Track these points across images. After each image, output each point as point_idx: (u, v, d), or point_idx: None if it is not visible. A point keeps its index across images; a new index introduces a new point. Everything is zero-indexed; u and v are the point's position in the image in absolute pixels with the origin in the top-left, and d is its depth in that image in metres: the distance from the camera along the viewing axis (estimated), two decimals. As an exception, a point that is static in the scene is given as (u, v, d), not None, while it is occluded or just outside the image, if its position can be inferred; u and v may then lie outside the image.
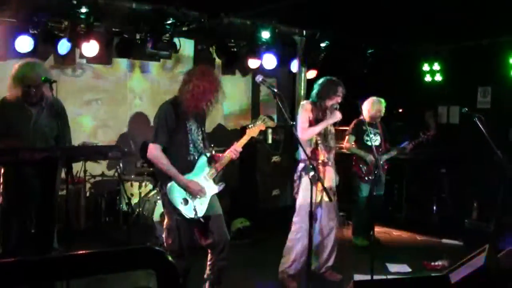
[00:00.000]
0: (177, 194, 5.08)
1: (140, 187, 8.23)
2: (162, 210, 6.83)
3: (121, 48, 8.52)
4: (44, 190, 5.30)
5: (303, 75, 9.78)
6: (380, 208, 8.57)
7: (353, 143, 8.22)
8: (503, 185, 6.41)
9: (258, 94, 11.34)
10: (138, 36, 8.38)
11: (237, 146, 5.30)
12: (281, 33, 9.22)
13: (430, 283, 3.53)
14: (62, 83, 8.34)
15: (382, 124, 8.40)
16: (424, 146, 8.56)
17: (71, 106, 8.46)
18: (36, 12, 7.42)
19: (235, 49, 9.48)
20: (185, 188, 5.08)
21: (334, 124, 6.44)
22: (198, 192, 5.12)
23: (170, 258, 2.30)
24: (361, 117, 7.78)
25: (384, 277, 6.27)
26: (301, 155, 6.25)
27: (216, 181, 5.32)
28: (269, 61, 9.61)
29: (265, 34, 8.89)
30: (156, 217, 7.78)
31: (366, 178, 8.16)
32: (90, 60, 8.64)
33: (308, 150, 6.11)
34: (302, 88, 9.70)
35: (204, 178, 5.22)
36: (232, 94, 11.07)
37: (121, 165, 8.27)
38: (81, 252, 2.16)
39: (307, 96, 7.88)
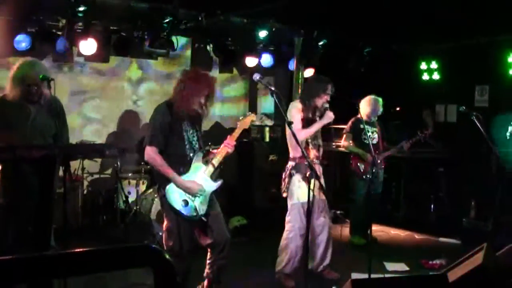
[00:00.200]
0: (176, 196, 5.08)
1: (137, 185, 8.23)
2: (159, 208, 6.84)
3: (119, 46, 8.51)
4: (42, 188, 5.29)
5: (300, 73, 9.77)
6: (378, 206, 8.57)
7: (351, 142, 8.22)
8: (501, 183, 6.42)
9: (255, 92, 11.34)
10: (135, 34, 8.38)
11: (231, 140, 5.32)
12: (278, 32, 9.21)
13: (428, 282, 3.53)
14: (60, 81, 8.32)
15: (380, 123, 8.40)
16: (422, 145, 8.57)
17: (68, 104, 8.49)
18: (34, 11, 7.41)
19: (232, 48, 9.47)
20: (184, 188, 5.08)
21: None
22: (198, 192, 5.12)
23: (167, 256, 2.29)
24: (359, 116, 7.79)
25: (381, 276, 6.27)
26: (292, 153, 6.24)
27: (214, 178, 5.32)
28: (267, 59, 9.61)
29: (263, 33, 8.89)
30: (153, 215, 7.78)
31: (364, 177, 8.15)
32: (88, 58, 8.63)
33: (299, 149, 6.11)
34: (300, 86, 9.69)
35: (202, 176, 5.22)
36: (230, 93, 11.08)
37: (118, 163, 8.26)
38: (78, 250, 2.16)
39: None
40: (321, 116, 6.22)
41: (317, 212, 6.28)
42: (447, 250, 7.70)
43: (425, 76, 10.61)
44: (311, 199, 5.07)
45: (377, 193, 8.26)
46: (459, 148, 9.72)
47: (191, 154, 5.21)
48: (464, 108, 6.76)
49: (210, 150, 5.60)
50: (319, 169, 6.28)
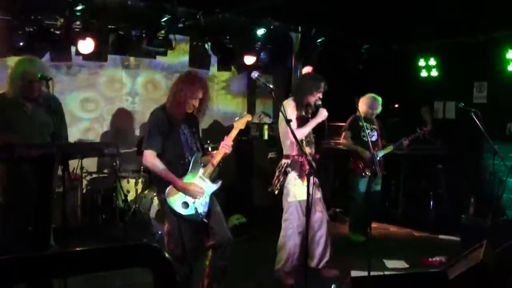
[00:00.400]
0: (176, 199, 5.08)
1: (136, 183, 8.23)
2: (158, 207, 6.83)
3: (117, 45, 8.50)
4: (41, 187, 5.29)
5: (298, 71, 9.77)
6: (377, 204, 8.56)
7: (349, 139, 8.22)
8: (500, 180, 6.42)
9: (254, 90, 11.33)
10: (133, 33, 8.37)
11: (228, 141, 5.32)
12: (276, 30, 9.21)
13: (428, 279, 3.53)
14: (58, 80, 8.33)
15: (379, 120, 8.40)
16: (421, 142, 8.57)
17: (66, 103, 8.48)
18: (32, 10, 7.40)
19: (230, 46, 9.46)
20: (184, 191, 5.08)
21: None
22: (198, 193, 5.12)
23: (166, 255, 2.29)
24: (358, 113, 7.79)
25: (381, 273, 6.28)
26: (287, 150, 6.23)
27: (213, 179, 5.32)
28: (265, 57, 9.60)
29: (261, 31, 8.89)
30: (152, 213, 7.78)
31: (363, 174, 8.15)
32: (86, 57, 8.61)
33: (294, 147, 6.12)
34: (298, 84, 9.69)
35: (201, 178, 5.22)
36: (228, 91, 11.08)
37: (117, 162, 8.25)
38: (77, 249, 2.15)
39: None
40: (313, 113, 6.22)
41: (313, 208, 6.27)
42: (446, 247, 7.71)
43: (424, 73, 10.61)
44: (310, 197, 5.07)
45: (376, 190, 8.26)
46: (458, 144, 9.72)
47: (189, 156, 5.21)
48: (463, 104, 6.77)
49: (209, 149, 5.61)
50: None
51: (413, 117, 10.01)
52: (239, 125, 5.48)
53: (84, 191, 8.71)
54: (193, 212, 5.08)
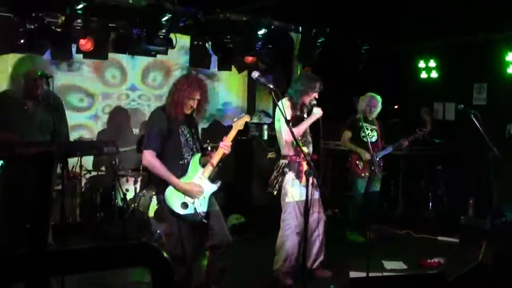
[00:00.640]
0: (175, 200, 5.08)
1: (135, 182, 8.22)
2: (157, 206, 6.83)
3: (117, 44, 8.51)
4: (40, 185, 5.28)
5: (299, 71, 9.77)
6: (376, 205, 8.55)
7: (349, 139, 8.23)
8: (499, 181, 6.43)
9: (254, 90, 11.32)
10: (134, 32, 8.36)
11: (226, 141, 5.34)
12: (277, 29, 9.20)
13: (427, 280, 3.53)
14: (58, 78, 8.33)
15: (379, 121, 8.40)
16: (420, 143, 8.57)
17: (67, 101, 8.48)
18: (33, 7, 7.40)
19: (231, 45, 9.46)
20: (183, 191, 5.09)
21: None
22: (197, 194, 5.13)
23: (165, 254, 2.29)
24: (358, 114, 7.79)
25: (380, 274, 6.28)
26: (284, 150, 6.23)
27: (212, 179, 5.33)
28: (265, 57, 9.60)
29: (261, 31, 8.88)
30: (151, 212, 7.78)
31: (362, 175, 8.16)
32: (86, 56, 8.61)
33: (290, 147, 6.12)
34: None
35: (200, 178, 5.22)
36: (228, 90, 11.07)
37: (116, 160, 8.25)
38: (75, 248, 2.15)
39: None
40: (309, 113, 6.22)
41: (311, 209, 6.26)
42: (445, 249, 7.70)
43: (424, 74, 10.60)
44: (309, 198, 5.07)
45: (375, 191, 8.26)
46: (457, 146, 9.72)
47: (188, 157, 5.22)
48: (463, 106, 6.76)
49: (209, 148, 5.61)
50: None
51: (412, 118, 10.01)
52: (238, 125, 5.49)
53: (83, 189, 8.70)
54: (192, 212, 5.09)
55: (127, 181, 8.48)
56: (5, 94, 5.31)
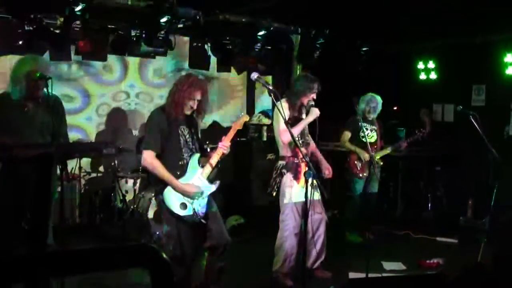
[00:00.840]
0: (174, 200, 5.08)
1: (134, 183, 8.23)
2: (156, 208, 6.83)
3: (116, 45, 8.50)
4: (39, 187, 5.29)
5: (298, 72, 9.77)
6: (374, 205, 8.55)
7: (348, 139, 8.23)
8: (498, 182, 6.42)
9: (253, 91, 11.33)
10: (133, 33, 8.36)
11: (225, 141, 5.34)
12: (276, 31, 9.20)
13: (426, 281, 3.53)
14: (57, 79, 8.33)
15: (380, 122, 8.41)
16: (419, 144, 8.57)
17: (65, 103, 8.46)
18: (32, 9, 7.39)
19: (230, 47, 9.45)
20: (182, 192, 5.09)
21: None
22: (196, 194, 5.13)
23: (164, 256, 2.29)
24: (357, 115, 7.79)
25: (379, 275, 6.28)
26: (282, 151, 6.24)
27: (211, 180, 5.33)
28: (265, 58, 9.60)
29: (261, 32, 8.88)
30: (150, 214, 7.78)
31: (360, 175, 8.17)
32: (86, 57, 8.61)
33: (288, 148, 6.13)
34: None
35: (199, 178, 5.23)
36: (227, 92, 11.07)
37: (116, 161, 8.25)
38: (74, 249, 2.16)
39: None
40: (307, 114, 6.22)
41: (311, 210, 6.26)
42: (445, 249, 7.70)
43: (423, 76, 10.61)
44: (306, 197, 5.08)
45: (374, 192, 8.27)
46: (456, 147, 9.73)
47: (187, 157, 5.22)
48: (461, 107, 6.77)
49: (208, 149, 5.61)
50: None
51: (411, 119, 10.01)
52: (237, 125, 5.50)
53: (82, 190, 8.71)
54: (191, 213, 5.09)
55: (126, 182, 8.48)
56: (5, 95, 5.30)
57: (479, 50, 9.32)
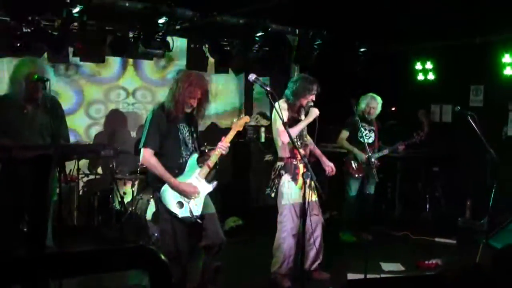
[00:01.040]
0: (171, 198, 5.09)
1: (133, 185, 8.22)
2: (154, 209, 6.82)
3: (114, 47, 8.49)
4: (37, 188, 5.29)
5: (296, 73, 9.77)
6: (371, 206, 8.54)
7: (346, 139, 8.24)
8: (496, 183, 6.42)
9: (251, 92, 11.32)
10: (131, 35, 8.36)
11: (225, 142, 5.34)
12: (274, 32, 9.20)
13: (424, 282, 3.53)
14: (55, 81, 8.34)
15: (378, 122, 8.41)
16: (418, 145, 8.58)
17: (64, 105, 8.44)
18: (29, 10, 7.39)
19: (228, 48, 9.45)
20: (179, 191, 5.09)
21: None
22: (193, 193, 5.13)
23: (162, 257, 2.29)
24: (356, 115, 7.80)
25: (377, 276, 6.27)
26: (280, 152, 6.24)
27: (209, 179, 5.33)
28: (262, 60, 9.60)
29: (258, 33, 8.88)
30: (148, 215, 7.77)
31: (356, 175, 8.18)
32: (83, 59, 8.60)
33: (286, 149, 6.13)
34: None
35: (196, 178, 5.23)
36: (225, 93, 11.06)
37: (114, 163, 8.25)
38: (73, 251, 2.15)
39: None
40: (306, 115, 6.21)
41: (308, 211, 6.26)
42: (443, 250, 7.70)
43: (420, 76, 10.62)
44: (304, 198, 5.08)
45: (370, 194, 8.27)
46: (454, 147, 9.74)
47: (187, 156, 5.22)
48: (459, 108, 6.77)
49: (206, 150, 5.61)
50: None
51: (409, 120, 10.02)
52: (237, 126, 5.49)
53: (80, 192, 8.70)
54: (187, 212, 5.09)
55: (124, 184, 8.47)
56: (5, 97, 5.31)
57: (477, 51, 9.33)
